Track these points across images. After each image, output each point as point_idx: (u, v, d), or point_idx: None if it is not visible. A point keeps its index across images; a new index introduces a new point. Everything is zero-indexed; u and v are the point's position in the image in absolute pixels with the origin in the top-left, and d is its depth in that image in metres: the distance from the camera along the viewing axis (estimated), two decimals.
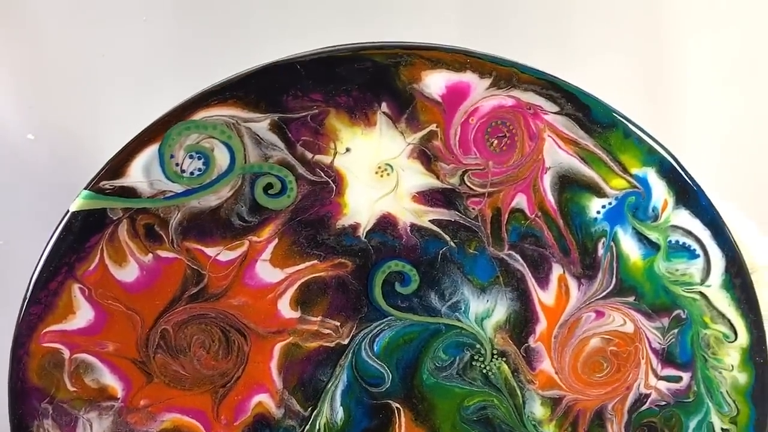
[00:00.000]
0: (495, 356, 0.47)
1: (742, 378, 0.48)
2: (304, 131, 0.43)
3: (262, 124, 0.43)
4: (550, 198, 0.45)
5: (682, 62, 0.60)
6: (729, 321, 0.47)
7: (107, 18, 0.55)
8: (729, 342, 0.48)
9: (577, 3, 0.59)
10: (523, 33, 0.59)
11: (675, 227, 0.46)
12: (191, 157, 0.43)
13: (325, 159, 0.44)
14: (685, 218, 0.46)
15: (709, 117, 0.61)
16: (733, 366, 0.48)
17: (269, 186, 0.44)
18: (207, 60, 0.52)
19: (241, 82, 0.43)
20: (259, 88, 0.42)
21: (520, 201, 0.45)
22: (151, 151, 0.43)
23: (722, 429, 0.49)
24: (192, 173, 0.43)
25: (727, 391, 0.48)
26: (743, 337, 0.48)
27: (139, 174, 0.43)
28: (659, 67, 0.61)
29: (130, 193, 0.43)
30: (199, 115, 0.43)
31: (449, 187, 0.45)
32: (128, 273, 0.44)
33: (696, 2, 0.60)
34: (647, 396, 0.48)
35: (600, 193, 0.45)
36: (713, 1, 0.61)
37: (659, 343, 0.48)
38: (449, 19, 0.57)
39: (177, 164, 0.43)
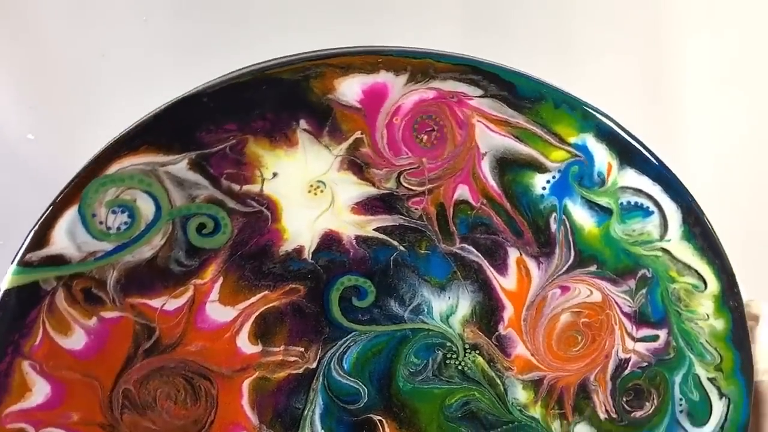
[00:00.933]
0: (468, 351, 0.46)
1: (719, 324, 0.47)
2: (226, 164, 0.41)
3: (180, 165, 0.41)
4: (492, 183, 0.44)
5: (682, 64, 0.59)
6: (696, 271, 0.46)
7: (107, 18, 0.54)
8: (700, 292, 0.46)
9: (578, 5, 0.58)
10: (524, 36, 0.57)
11: (624, 188, 0.44)
12: (114, 212, 0.41)
13: (254, 188, 0.42)
14: (632, 177, 0.44)
15: (709, 118, 0.60)
16: (708, 315, 0.47)
17: (202, 226, 0.42)
18: (207, 60, 0.50)
19: (149, 127, 0.41)
20: (168, 129, 0.40)
21: (463, 192, 0.44)
22: (71, 214, 0.41)
23: (708, 378, 0.48)
24: (119, 228, 0.41)
25: (706, 341, 0.47)
26: (713, 285, 0.46)
27: (64, 240, 0.41)
28: (659, 70, 0.60)
29: (58, 260, 0.41)
30: (113, 168, 0.41)
31: (387, 192, 0.43)
32: (76, 341, 0.43)
33: (696, 3, 0.58)
34: (627, 360, 0.47)
35: (542, 168, 0.44)
36: (713, 2, 0.59)
37: (630, 306, 0.47)
38: (451, 23, 0.55)
39: (101, 222, 0.41)
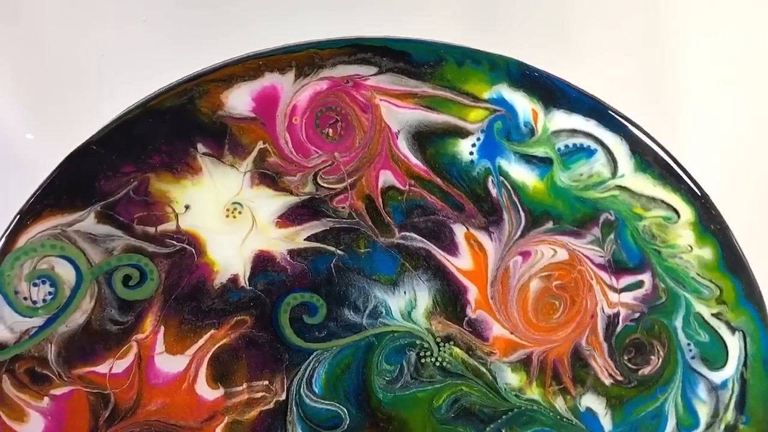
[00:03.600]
0: (441, 344, 0.43)
1: (707, 253, 0.43)
2: (134, 208, 0.40)
3: (88, 221, 0.39)
4: (415, 161, 0.41)
5: (683, 61, 0.57)
6: (662, 201, 0.42)
7: (107, 18, 0.54)
8: (673, 223, 0.42)
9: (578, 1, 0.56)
10: (524, 32, 0.56)
11: (557, 132, 0.41)
12: (35, 284, 0.40)
13: (169, 226, 0.40)
14: (562, 119, 0.41)
15: (711, 115, 0.57)
16: (690, 246, 0.43)
17: (128, 278, 0.40)
18: (207, 60, 0.50)
19: (47, 189, 0.39)
20: (66, 187, 0.39)
21: (387, 178, 0.41)
22: None
23: (712, 314, 0.43)
24: (44, 300, 0.40)
25: (697, 274, 0.43)
26: (686, 212, 0.42)
27: None
28: (660, 66, 0.57)
29: None
30: (22, 241, 0.39)
31: (307, 197, 0.41)
32: (34, 425, 0.41)
33: (696, 1, 0.57)
34: (617, 315, 0.43)
35: (462, 133, 0.41)
36: (713, 1, 0.57)
37: (601, 257, 0.43)
38: (451, 18, 0.54)
39: (26, 298, 0.40)
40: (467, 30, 0.55)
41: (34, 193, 0.39)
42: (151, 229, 0.40)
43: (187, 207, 0.40)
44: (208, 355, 0.42)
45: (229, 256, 0.41)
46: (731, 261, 0.43)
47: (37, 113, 0.54)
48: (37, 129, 0.54)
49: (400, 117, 0.40)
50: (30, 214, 0.39)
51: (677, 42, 0.57)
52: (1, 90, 0.54)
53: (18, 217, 0.39)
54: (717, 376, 0.44)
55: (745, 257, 0.43)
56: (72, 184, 0.39)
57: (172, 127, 0.39)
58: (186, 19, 0.54)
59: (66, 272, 0.40)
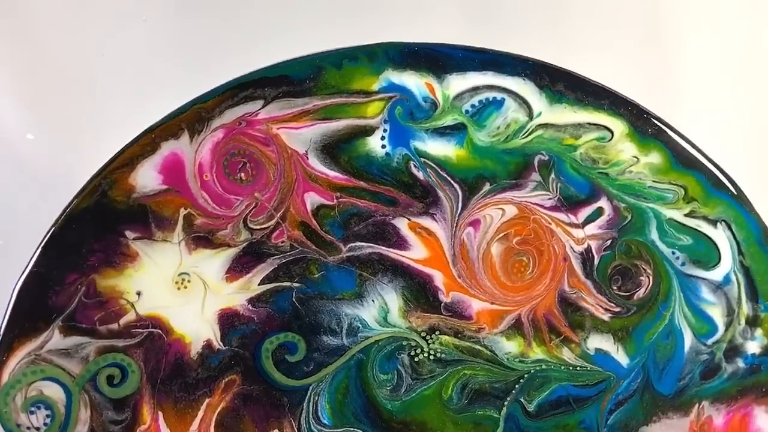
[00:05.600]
0: (428, 337, 0.42)
1: (655, 157, 0.41)
2: (91, 311, 0.41)
3: (55, 338, 0.41)
4: (333, 173, 0.41)
5: (683, 55, 0.55)
6: (589, 124, 0.41)
7: (107, 18, 0.54)
8: (609, 141, 0.41)
9: None
10: (522, 23, 0.56)
11: (458, 96, 0.40)
12: (32, 412, 0.41)
13: (130, 317, 0.41)
14: (458, 81, 0.40)
15: (712, 107, 0.56)
16: (636, 156, 0.41)
17: (111, 378, 0.41)
18: (207, 60, 0.51)
19: (9, 322, 0.40)
20: (24, 313, 0.40)
21: (313, 199, 0.41)
22: None
23: (686, 215, 0.42)
24: (45, 424, 0.41)
25: (654, 181, 0.41)
26: (618, 126, 0.41)
27: None
28: (661, 56, 0.56)
29: None
30: (6, 376, 0.41)
31: (245, 244, 0.41)
32: None
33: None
34: (588, 250, 0.42)
35: (367, 130, 0.41)
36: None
37: (550, 199, 0.41)
38: (452, 15, 0.55)
39: (29, 427, 0.41)
40: (468, 28, 0.55)
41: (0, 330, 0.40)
42: (115, 326, 0.41)
43: (138, 294, 0.41)
44: (212, 423, 0.42)
45: (195, 324, 0.41)
46: (683, 156, 0.41)
47: (37, 113, 0.54)
48: (37, 129, 0.54)
49: (302, 137, 0.40)
50: (5, 349, 0.40)
51: (677, 32, 0.55)
52: (1, 90, 0.54)
53: None
54: (716, 274, 0.42)
55: (696, 146, 0.41)
56: (28, 309, 0.40)
57: (97, 225, 0.40)
58: (186, 19, 0.55)
59: (54, 392, 0.41)
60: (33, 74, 0.54)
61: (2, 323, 0.41)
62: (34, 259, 0.40)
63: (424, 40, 0.39)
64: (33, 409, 0.41)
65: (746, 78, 0.54)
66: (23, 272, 0.41)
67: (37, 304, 0.40)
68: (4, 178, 0.53)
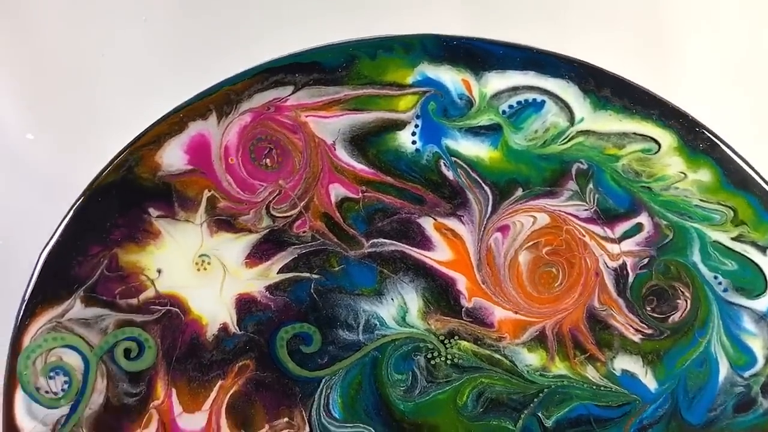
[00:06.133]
0: (446, 341, 0.41)
1: (705, 175, 0.38)
2: (112, 285, 0.41)
3: (76, 308, 0.41)
4: (360, 166, 0.40)
5: (683, 51, 0.53)
6: (635, 134, 0.38)
7: (107, 18, 0.55)
8: (655, 153, 0.38)
9: None
10: (523, 14, 0.55)
11: (496, 95, 0.38)
12: (51, 377, 0.42)
13: (149, 293, 0.41)
14: (497, 80, 0.38)
15: (712, 101, 0.53)
16: (683, 172, 0.38)
17: (128, 351, 0.42)
18: (207, 60, 0.52)
19: (34, 287, 0.41)
20: (48, 281, 0.41)
21: (338, 191, 0.40)
22: (20, 398, 0.42)
23: (734, 238, 0.39)
24: (63, 390, 0.42)
25: (701, 200, 0.38)
26: (666, 138, 0.38)
27: (29, 422, 0.42)
28: (663, 47, 0.54)
29: None
30: (27, 340, 0.42)
31: (266, 231, 0.40)
32: None
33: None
34: (623, 267, 0.40)
35: (398, 124, 0.39)
36: None
37: (586, 210, 0.39)
38: (455, 8, 0.54)
39: (47, 392, 0.42)
40: (468, 17, 0.53)
41: (24, 296, 0.41)
42: (134, 301, 0.41)
43: (159, 271, 0.41)
44: (224, 405, 0.42)
45: (213, 307, 0.41)
46: (735, 176, 0.38)
47: (37, 113, 0.54)
48: (37, 129, 0.54)
49: (330, 127, 0.39)
50: (28, 314, 0.41)
51: (678, 37, 0.52)
52: (1, 90, 0.55)
53: (18, 319, 0.41)
54: (760, 304, 0.39)
55: (752, 165, 0.38)
56: (52, 278, 0.41)
57: (122, 200, 0.40)
58: (186, 19, 0.55)
59: (73, 360, 0.42)
60: (33, 74, 0.54)
61: (26, 290, 0.41)
62: (61, 229, 0.40)
63: (423, 30, 0.37)
64: (52, 374, 0.42)
65: (747, 73, 0.50)
66: (49, 240, 0.41)
67: (60, 273, 0.41)
68: (4, 178, 0.54)
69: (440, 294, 0.40)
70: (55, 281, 0.41)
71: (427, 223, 0.40)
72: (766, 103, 0.50)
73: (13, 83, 0.55)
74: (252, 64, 0.39)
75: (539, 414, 0.41)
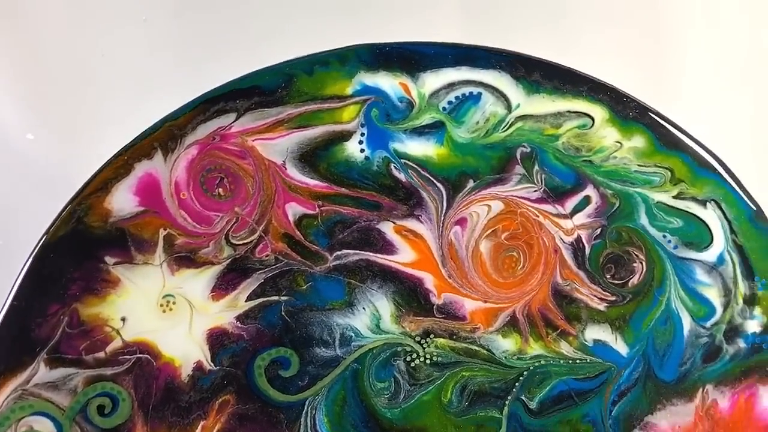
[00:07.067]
0: (422, 341, 0.41)
1: (639, 141, 0.41)
2: (76, 341, 0.40)
3: (42, 371, 0.40)
4: (313, 182, 0.40)
5: (683, 48, 0.55)
6: (569, 112, 0.40)
7: (107, 18, 0.54)
8: (590, 128, 0.40)
9: None
10: (521, 21, 0.55)
11: (434, 94, 0.39)
12: None
13: (116, 344, 0.40)
14: (433, 79, 0.39)
15: (712, 100, 0.55)
16: (619, 141, 0.40)
17: (101, 408, 0.40)
18: (207, 60, 0.51)
19: None
20: (5, 350, 0.39)
21: (295, 209, 0.40)
22: None
23: (675, 197, 0.41)
24: None
25: (639, 165, 0.40)
26: (598, 112, 0.40)
27: None
28: (660, 51, 0.56)
29: None
30: None
31: (229, 260, 0.40)
32: None
33: None
34: (578, 240, 0.41)
35: (344, 135, 0.40)
36: None
37: (536, 191, 0.41)
38: (450, 11, 0.54)
39: None
40: (467, 26, 0.54)
41: None
42: (101, 354, 0.40)
43: (123, 320, 0.40)
44: None
45: (184, 346, 0.40)
46: (667, 138, 0.40)
47: (37, 113, 0.54)
48: (37, 129, 0.54)
49: (278, 148, 0.39)
50: None
51: (676, 34, 0.55)
52: (1, 90, 0.54)
53: None
54: (709, 255, 0.41)
55: (681, 127, 0.40)
56: (11, 344, 0.39)
57: (75, 253, 0.39)
58: (186, 19, 0.54)
59: (45, 426, 0.40)
60: (33, 74, 0.54)
61: None
62: (13, 292, 0.39)
63: (423, 39, 0.38)
64: None
65: (746, 70, 0.54)
66: (2, 306, 0.40)
67: (19, 338, 0.39)
68: (4, 178, 0.53)
69: (410, 295, 0.41)
70: (14, 347, 0.39)
71: (387, 228, 0.40)
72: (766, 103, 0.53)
73: (13, 83, 0.54)
74: (251, 64, 0.39)
75: (522, 398, 0.42)
